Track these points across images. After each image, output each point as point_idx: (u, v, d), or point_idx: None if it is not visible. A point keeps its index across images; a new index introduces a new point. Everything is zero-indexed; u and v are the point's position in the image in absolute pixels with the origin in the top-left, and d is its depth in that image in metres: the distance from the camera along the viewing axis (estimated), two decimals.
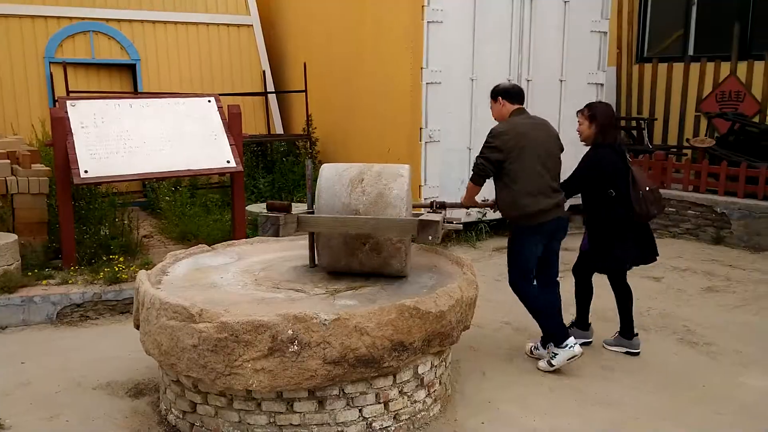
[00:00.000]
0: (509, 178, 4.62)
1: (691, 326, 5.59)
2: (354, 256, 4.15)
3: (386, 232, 3.98)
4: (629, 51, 12.43)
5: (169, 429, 3.84)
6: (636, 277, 6.95)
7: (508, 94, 4.82)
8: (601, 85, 9.41)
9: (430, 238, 3.87)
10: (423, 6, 7.96)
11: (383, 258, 4.12)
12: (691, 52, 11.79)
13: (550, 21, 8.84)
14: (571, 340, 4.59)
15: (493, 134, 4.64)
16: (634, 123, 11.70)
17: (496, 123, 4.80)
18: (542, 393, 4.31)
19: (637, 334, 5.10)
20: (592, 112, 4.87)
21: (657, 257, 5.07)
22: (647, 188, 4.83)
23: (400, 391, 3.72)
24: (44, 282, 5.90)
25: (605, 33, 9.32)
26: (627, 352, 5.02)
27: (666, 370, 4.72)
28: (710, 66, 11.21)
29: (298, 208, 7.24)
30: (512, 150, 4.57)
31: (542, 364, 4.67)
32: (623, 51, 12.44)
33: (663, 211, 5.23)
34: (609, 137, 4.85)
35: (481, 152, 4.68)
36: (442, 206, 4.59)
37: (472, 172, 4.75)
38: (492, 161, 4.60)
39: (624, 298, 5.10)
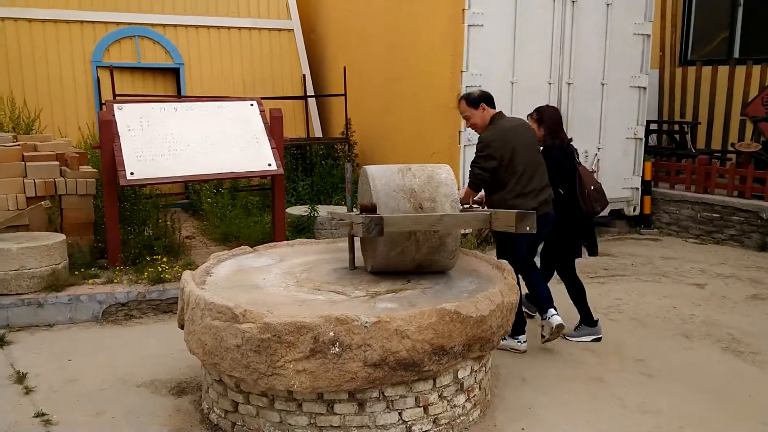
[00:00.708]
0: (501, 182, 4.85)
1: (736, 334, 5.48)
2: (414, 254, 4.18)
3: (473, 225, 4.17)
4: (672, 53, 12.23)
5: (211, 428, 3.90)
6: (679, 284, 6.86)
7: (489, 100, 5.04)
8: (644, 88, 9.29)
9: (528, 228, 3.89)
10: (463, 9, 7.95)
11: (440, 254, 4.22)
12: (736, 54, 11.54)
13: (592, 23, 8.75)
14: (551, 311, 4.99)
15: (485, 143, 4.85)
16: (677, 127, 11.51)
17: (488, 130, 4.96)
18: (583, 400, 4.27)
19: (598, 320, 5.35)
20: (539, 116, 5.21)
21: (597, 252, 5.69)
22: (592, 187, 5.19)
23: (439, 396, 3.72)
24: (90, 281, 6.04)
25: (648, 35, 9.20)
26: (594, 339, 5.23)
27: (710, 379, 4.64)
28: (756, 69, 10.96)
29: (337, 210, 7.31)
30: (504, 156, 4.82)
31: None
32: (666, 53, 12.25)
33: (605, 208, 5.52)
34: (557, 139, 5.17)
35: (476, 162, 4.88)
36: None
37: (469, 180, 4.94)
38: (489, 170, 4.82)
39: (576, 289, 5.37)
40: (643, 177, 9.54)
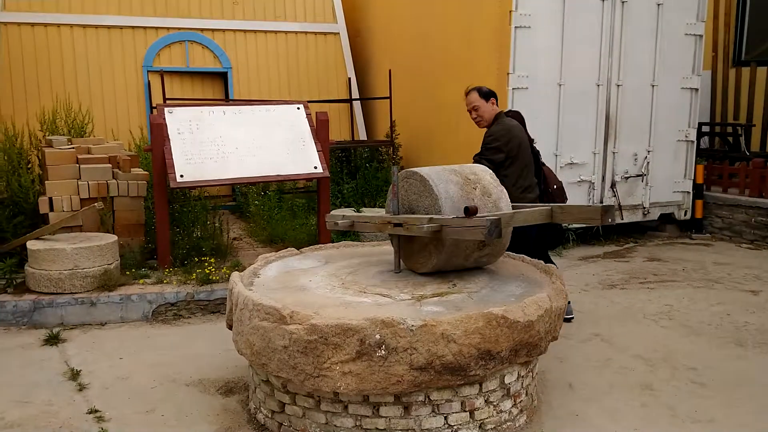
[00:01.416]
0: (504, 177, 5.00)
1: None
2: (473, 253, 4.25)
3: (569, 218, 4.28)
4: (725, 54, 11.92)
5: (258, 427, 3.94)
6: (733, 291, 6.68)
7: (496, 97, 5.39)
8: (696, 90, 9.09)
9: (610, 220, 4.04)
10: (510, 11, 7.90)
11: (496, 251, 4.35)
12: None
13: (643, 24, 8.60)
14: None
15: (495, 136, 5.13)
16: (730, 129, 11.22)
17: (496, 125, 5.26)
18: (632, 408, 4.18)
19: (569, 302, 5.39)
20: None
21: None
22: (554, 186, 5.54)
23: (486, 400, 3.69)
24: (141, 281, 6.18)
25: (700, 36, 9.00)
26: (565, 320, 5.17)
27: (765, 388, 4.50)
28: None
29: (376, 212, 7.34)
30: (511, 150, 5.14)
31: None
32: (719, 54, 11.95)
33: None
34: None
35: (482, 154, 5.13)
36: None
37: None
38: (495, 162, 5.03)
39: None
40: (694, 180, 9.33)
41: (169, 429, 3.93)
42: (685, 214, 9.43)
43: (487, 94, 5.33)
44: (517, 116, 5.61)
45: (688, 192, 9.34)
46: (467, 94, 5.38)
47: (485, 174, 4.35)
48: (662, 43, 8.73)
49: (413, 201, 4.27)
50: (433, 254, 4.23)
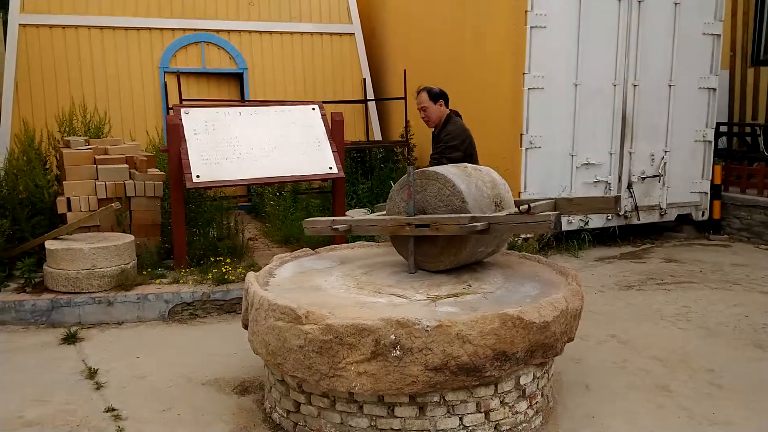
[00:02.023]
0: None
1: None
2: (486, 248, 4.40)
3: (579, 210, 4.52)
4: (744, 54, 11.80)
5: (274, 427, 3.95)
6: (751, 292, 6.62)
7: (446, 97, 5.49)
8: (714, 89, 9.02)
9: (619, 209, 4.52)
10: (526, 11, 7.87)
11: (502, 245, 4.58)
12: None
13: (660, 23, 8.55)
14: None
15: (452, 135, 5.28)
16: (748, 129, 11.11)
17: (452, 125, 5.40)
18: (649, 410, 4.15)
19: None
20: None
21: None
22: None
23: (501, 402, 3.68)
24: (157, 281, 6.22)
25: (718, 35, 8.93)
26: None
27: None
28: None
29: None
30: (467, 149, 5.31)
31: None
32: (737, 54, 11.83)
33: None
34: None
35: (443, 153, 5.23)
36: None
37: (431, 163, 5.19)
38: (454, 161, 5.07)
39: None
40: (712, 181, 9.25)
41: (185, 428, 3.95)
42: (703, 215, 9.35)
43: (437, 96, 5.41)
44: (459, 116, 5.71)
45: (706, 192, 9.26)
46: (418, 93, 5.45)
47: (490, 173, 4.51)
48: (679, 43, 8.67)
49: (427, 201, 4.27)
50: (450, 252, 4.26)
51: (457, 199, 4.13)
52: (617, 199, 4.39)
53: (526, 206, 4.21)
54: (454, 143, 5.28)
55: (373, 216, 4.66)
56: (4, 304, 5.83)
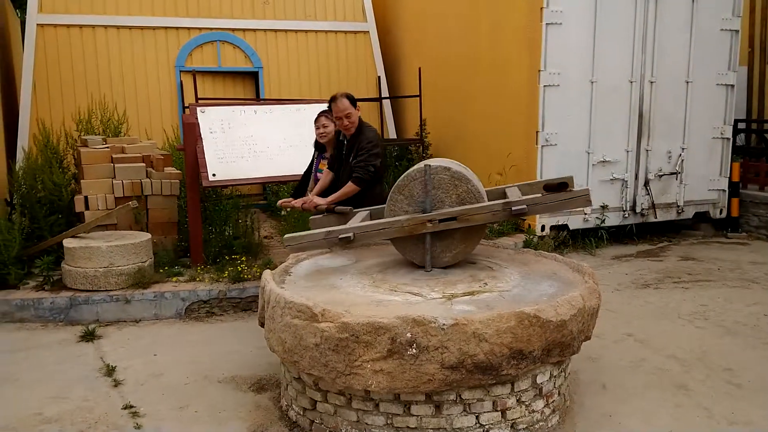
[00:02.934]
0: (380, 178, 5.36)
1: None
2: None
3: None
4: (762, 49, 11.67)
5: (290, 425, 3.96)
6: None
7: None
8: (732, 86, 8.92)
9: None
10: (542, 8, 7.83)
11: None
12: None
13: (677, 20, 8.47)
14: None
15: (373, 141, 5.20)
16: (766, 126, 10.99)
17: (368, 130, 5.28)
18: (667, 409, 4.12)
19: None
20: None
21: None
22: None
23: (517, 400, 3.66)
24: (174, 279, 6.25)
25: (736, 31, 8.83)
26: None
27: None
28: None
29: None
30: (382, 151, 5.42)
31: None
32: (756, 50, 11.70)
33: None
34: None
35: (369, 159, 5.13)
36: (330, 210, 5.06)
37: (358, 177, 5.10)
38: (378, 167, 5.19)
39: None
40: (730, 178, 9.16)
41: (202, 425, 3.98)
42: (721, 213, 9.27)
43: (355, 101, 5.27)
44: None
45: (724, 190, 9.18)
46: (336, 100, 5.19)
47: (466, 169, 4.60)
48: (697, 39, 8.59)
49: (438, 197, 4.30)
50: (458, 245, 4.36)
51: (471, 188, 4.30)
52: (585, 194, 4.32)
53: (555, 183, 4.41)
54: (377, 150, 5.19)
55: (382, 220, 4.41)
56: (23, 302, 5.90)
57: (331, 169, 5.49)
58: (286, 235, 4.39)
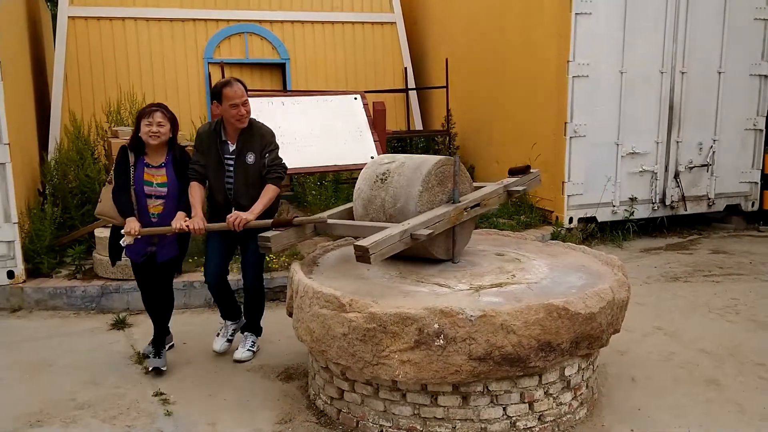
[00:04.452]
0: None
1: None
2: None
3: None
4: None
5: (317, 413, 3.99)
6: None
7: None
8: (765, 76, 8.75)
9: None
10: None
11: None
12: None
13: (709, 9, 8.33)
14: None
15: (272, 134, 4.64)
16: None
17: (261, 124, 4.67)
18: (698, 403, 4.08)
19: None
20: (171, 114, 4.50)
21: None
22: None
23: (545, 392, 3.65)
24: (202, 268, 6.29)
25: None
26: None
27: None
28: None
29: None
30: None
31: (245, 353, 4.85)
32: None
33: None
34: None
35: (278, 155, 4.60)
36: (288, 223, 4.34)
37: (279, 177, 4.55)
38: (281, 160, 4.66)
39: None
40: (762, 170, 9.00)
41: (231, 413, 4.02)
42: (753, 206, 9.11)
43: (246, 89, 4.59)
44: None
45: (756, 182, 9.02)
46: (233, 84, 4.45)
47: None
48: (729, 29, 8.43)
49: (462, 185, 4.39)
50: (468, 234, 4.56)
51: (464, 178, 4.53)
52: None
53: (520, 168, 4.89)
54: (276, 142, 4.64)
55: (435, 212, 4.09)
56: (56, 290, 6.01)
57: (194, 178, 4.50)
58: (366, 244, 3.72)
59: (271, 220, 4.39)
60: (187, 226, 4.29)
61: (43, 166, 7.66)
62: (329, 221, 4.34)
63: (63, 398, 4.24)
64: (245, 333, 4.98)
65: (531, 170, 4.97)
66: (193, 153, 4.63)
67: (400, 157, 4.46)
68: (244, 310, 4.98)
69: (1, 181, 5.94)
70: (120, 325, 5.57)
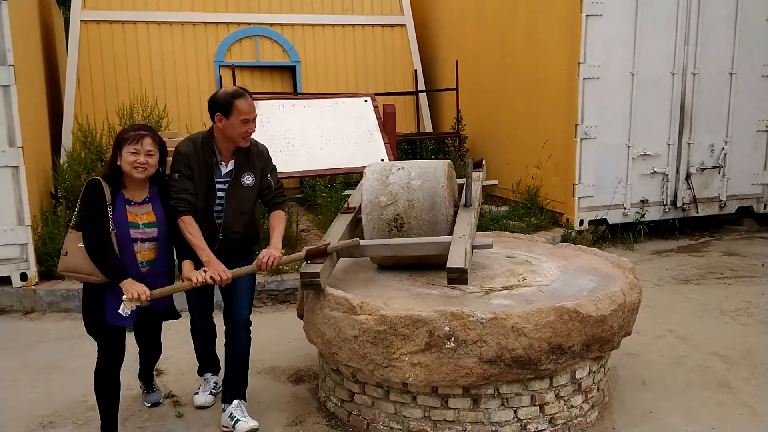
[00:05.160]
0: None
1: None
2: None
3: None
4: None
5: (328, 416, 4.00)
6: None
7: None
8: None
9: None
10: None
11: None
12: None
13: (721, 10, 8.29)
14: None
15: (268, 155, 4.10)
16: None
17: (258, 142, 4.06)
18: (709, 406, 4.06)
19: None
20: (159, 138, 3.67)
21: None
22: None
23: (556, 395, 3.65)
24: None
25: None
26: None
27: None
28: None
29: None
30: None
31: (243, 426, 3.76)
32: None
33: None
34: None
35: (279, 180, 4.12)
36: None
37: (283, 200, 4.09)
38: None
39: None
40: None
41: None
42: (765, 207, 9.06)
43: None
44: None
45: None
46: (245, 97, 3.83)
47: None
48: (741, 30, 8.39)
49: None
50: None
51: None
52: None
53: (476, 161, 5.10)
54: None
55: (467, 221, 3.95)
56: (68, 293, 6.05)
57: (186, 210, 3.70)
58: (463, 265, 3.48)
59: (305, 253, 3.82)
60: (211, 277, 3.59)
61: (56, 169, 7.72)
62: (362, 243, 3.94)
63: (75, 400, 4.27)
64: (213, 379, 4.35)
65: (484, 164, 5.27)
66: (173, 178, 3.76)
67: (404, 164, 4.31)
68: (230, 364, 3.97)
69: (15, 184, 5.99)
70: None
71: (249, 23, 10.74)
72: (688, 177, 8.53)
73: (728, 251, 7.98)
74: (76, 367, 4.79)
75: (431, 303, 3.62)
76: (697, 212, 8.68)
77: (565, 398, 3.69)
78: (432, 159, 10.19)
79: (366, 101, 7.12)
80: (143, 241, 3.55)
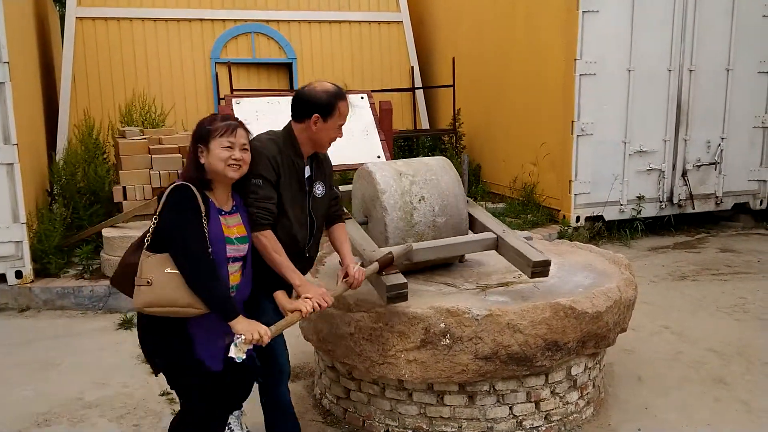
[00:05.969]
0: None
1: None
2: None
3: None
4: None
5: (323, 413, 4.00)
6: None
7: None
8: None
9: None
10: None
11: None
12: None
13: (717, 6, 8.28)
14: None
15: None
16: None
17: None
18: (705, 402, 4.07)
19: None
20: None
21: None
22: None
23: (551, 392, 3.65)
24: None
25: None
26: None
27: None
28: None
29: None
30: None
31: None
32: None
33: None
34: None
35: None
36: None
37: (342, 212, 3.62)
38: None
39: None
40: None
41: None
42: (761, 204, 9.07)
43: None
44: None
45: (764, 180, 8.97)
46: (346, 98, 3.36)
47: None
48: (738, 26, 8.38)
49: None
50: None
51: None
52: None
53: None
54: None
55: (487, 214, 3.90)
56: (63, 290, 6.04)
57: (267, 224, 2.98)
58: (546, 258, 3.52)
59: (378, 264, 3.40)
60: (318, 304, 2.95)
61: (52, 167, 7.71)
62: (414, 247, 3.69)
63: (71, 397, 4.27)
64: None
65: None
66: (255, 183, 3.02)
67: (421, 188, 4.06)
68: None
69: (10, 181, 5.97)
70: (127, 324, 5.59)
71: (245, 20, 10.71)
72: (684, 173, 8.54)
73: (724, 248, 7.99)
74: (71, 365, 4.79)
75: (427, 300, 3.61)
76: (694, 209, 8.69)
77: (561, 394, 3.69)
78: (429, 156, 10.21)
79: (362, 98, 7.11)
80: (234, 260, 2.83)
